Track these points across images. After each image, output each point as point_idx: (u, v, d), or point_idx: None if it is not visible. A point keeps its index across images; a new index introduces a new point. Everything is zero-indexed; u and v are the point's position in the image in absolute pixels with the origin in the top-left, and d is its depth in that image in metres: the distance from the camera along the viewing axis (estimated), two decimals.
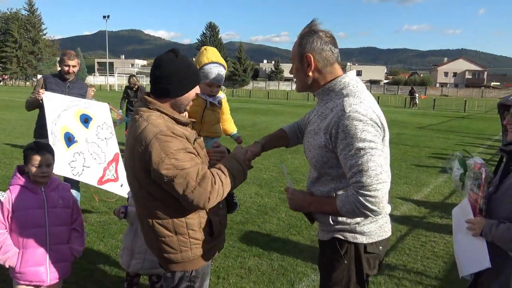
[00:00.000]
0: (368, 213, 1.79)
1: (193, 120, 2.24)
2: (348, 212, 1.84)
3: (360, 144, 1.76)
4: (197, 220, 2.09)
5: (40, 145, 2.72)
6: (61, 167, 4.39)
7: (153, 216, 2.05)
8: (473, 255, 2.08)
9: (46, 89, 4.66)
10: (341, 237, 2.00)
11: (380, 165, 1.77)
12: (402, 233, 5.28)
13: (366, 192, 1.75)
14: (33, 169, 2.61)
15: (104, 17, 62.93)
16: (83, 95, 4.96)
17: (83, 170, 4.54)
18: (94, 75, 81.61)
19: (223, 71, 2.54)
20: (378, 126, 1.83)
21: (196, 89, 2.14)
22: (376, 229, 1.99)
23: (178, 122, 2.06)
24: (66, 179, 4.65)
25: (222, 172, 2.04)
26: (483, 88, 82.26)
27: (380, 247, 2.02)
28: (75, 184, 4.96)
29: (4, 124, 14.59)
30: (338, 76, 1.95)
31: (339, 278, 2.01)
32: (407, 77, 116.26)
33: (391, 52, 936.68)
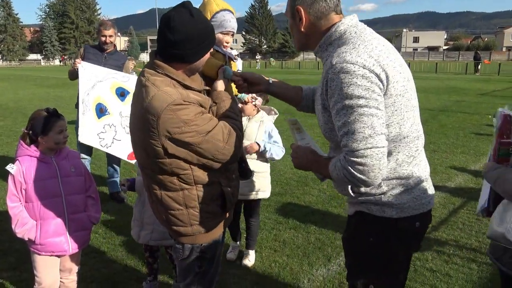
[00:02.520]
0: (357, 182, 1.48)
1: (207, 88, 1.99)
2: (338, 179, 1.55)
3: (347, 102, 1.44)
4: (209, 193, 1.91)
5: (55, 111, 2.62)
6: (89, 137, 4.41)
7: (162, 188, 1.89)
8: (482, 195, 2.31)
9: (84, 59, 4.69)
10: (366, 211, 1.67)
11: (371, 127, 1.42)
12: (455, 205, 4.81)
13: (352, 159, 1.44)
14: (56, 135, 2.53)
15: None
16: (119, 67, 4.92)
17: (112, 142, 4.51)
18: (147, 52, 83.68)
19: (235, 18, 2.28)
20: (376, 75, 1.45)
21: (211, 49, 1.91)
22: (409, 200, 1.63)
23: (188, 89, 1.84)
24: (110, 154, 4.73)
25: (233, 118, 1.90)
26: None
27: (417, 223, 1.67)
28: (116, 158, 5.03)
29: (59, 101, 15.23)
30: (333, 25, 1.62)
31: (365, 259, 1.70)
32: (469, 42, 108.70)
33: (451, 16, 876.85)
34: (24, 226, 2.52)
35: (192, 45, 1.77)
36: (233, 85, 2.38)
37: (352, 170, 1.45)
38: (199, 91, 1.89)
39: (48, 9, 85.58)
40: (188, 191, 1.87)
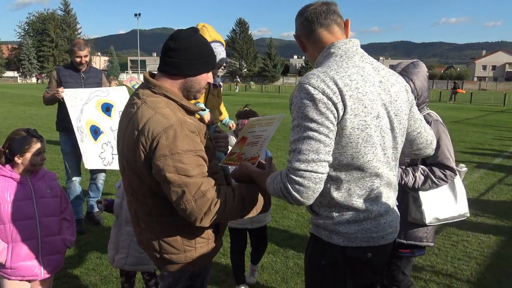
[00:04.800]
0: (290, 199, 1.54)
1: (203, 108, 1.99)
2: (274, 192, 1.60)
3: (301, 121, 1.52)
4: None
5: (35, 132, 2.57)
6: (93, 161, 4.48)
7: (154, 213, 1.80)
8: None
9: (61, 82, 4.62)
10: (317, 234, 1.72)
11: (316, 151, 1.49)
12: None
13: (292, 177, 1.51)
14: (33, 157, 2.48)
15: (135, 15, 64.11)
16: (99, 83, 4.88)
17: (113, 158, 4.58)
18: (127, 72, 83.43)
19: (224, 51, 2.33)
20: (333, 103, 1.50)
21: (210, 76, 1.87)
22: (357, 231, 1.64)
23: (187, 110, 1.80)
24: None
25: (234, 196, 1.75)
26: None
27: (369, 254, 1.67)
28: (100, 179, 5.04)
29: (34, 120, 14.94)
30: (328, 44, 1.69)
31: (318, 280, 1.73)
32: (442, 71, 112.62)
33: (425, 46, 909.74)
34: None
35: (189, 55, 1.75)
36: (222, 108, 2.40)
37: (289, 187, 1.51)
38: (194, 112, 1.87)
39: (27, 27, 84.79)
40: (181, 216, 1.77)
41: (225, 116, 2.71)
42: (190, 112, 1.84)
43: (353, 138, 1.55)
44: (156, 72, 1.88)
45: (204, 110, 2.04)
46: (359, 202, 1.63)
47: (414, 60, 2.56)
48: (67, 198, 2.72)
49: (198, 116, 2.06)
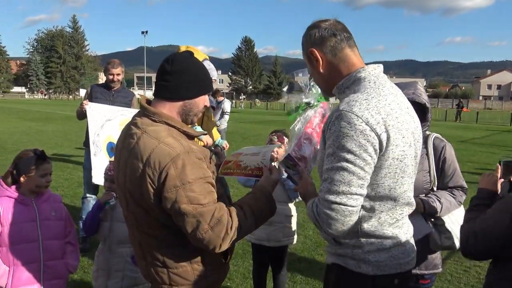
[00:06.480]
0: (320, 228, 1.54)
1: (204, 132, 1.94)
2: (310, 218, 1.59)
3: (337, 150, 1.45)
4: None
5: (43, 153, 2.53)
6: (102, 177, 4.36)
7: (163, 246, 1.74)
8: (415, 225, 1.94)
9: (92, 98, 4.68)
10: (343, 265, 1.64)
11: (348, 183, 1.44)
12: (442, 256, 4.74)
13: (321, 207, 1.50)
14: (39, 179, 2.44)
15: (142, 32, 65.02)
16: (127, 104, 4.87)
17: None
18: (133, 88, 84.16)
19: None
20: (376, 134, 1.44)
21: (206, 99, 1.84)
22: (386, 259, 1.59)
23: (188, 136, 1.75)
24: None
25: (244, 213, 1.72)
26: None
27: (396, 280, 1.62)
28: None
29: (40, 135, 14.99)
30: (355, 69, 1.61)
31: None
32: (447, 90, 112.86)
33: (430, 65, 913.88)
34: None
35: (187, 77, 1.72)
36: (214, 132, 2.39)
37: (318, 217, 1.51)
38: (195, 137, 1.82)
39: (36, 43, 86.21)
40: (191, 245, 1.70)
41: (217, 137, 2.71)
42: (191, 137, 1.79)
43: (392, 169, 1.51)
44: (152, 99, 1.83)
45: (206, 133, 2.00)
46: (389, 231, 1.59)
47: (411, 81, 2.49)
48: (72, 222, 2.66)
49: (197, 140, 2.02)
